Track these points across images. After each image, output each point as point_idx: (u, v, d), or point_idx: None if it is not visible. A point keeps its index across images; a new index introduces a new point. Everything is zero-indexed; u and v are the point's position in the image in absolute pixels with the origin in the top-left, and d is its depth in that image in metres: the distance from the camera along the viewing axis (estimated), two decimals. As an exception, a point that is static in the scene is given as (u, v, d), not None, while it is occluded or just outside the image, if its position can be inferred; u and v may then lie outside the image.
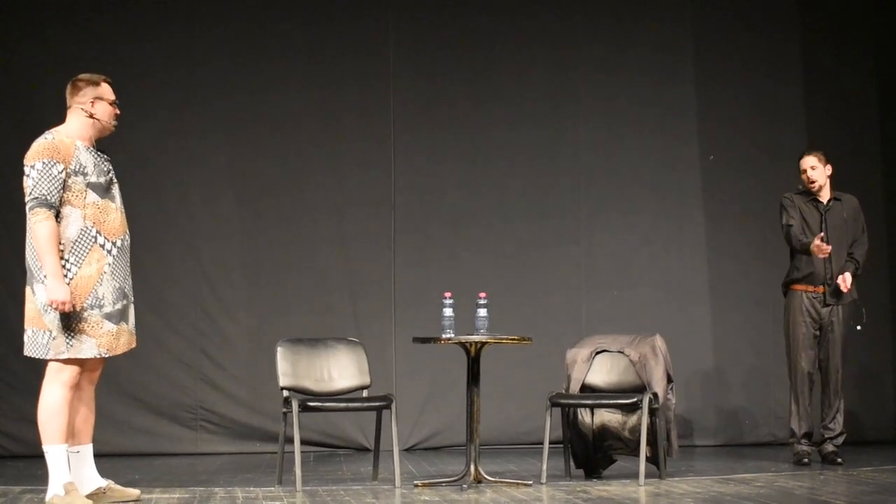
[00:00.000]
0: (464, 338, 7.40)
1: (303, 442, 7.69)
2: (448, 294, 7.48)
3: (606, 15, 10.64)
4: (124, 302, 6.61)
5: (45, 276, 6.43)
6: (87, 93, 6.76)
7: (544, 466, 7.62)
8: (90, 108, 6.74)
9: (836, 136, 10.43)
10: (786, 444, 9.14)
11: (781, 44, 10.75)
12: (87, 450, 6.73)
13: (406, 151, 10.35)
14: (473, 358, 7.51)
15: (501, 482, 7.48)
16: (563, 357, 8.19)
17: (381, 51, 10.36)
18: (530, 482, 7.51)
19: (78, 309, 6.44)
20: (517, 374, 10.08)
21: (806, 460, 8.53)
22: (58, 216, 6.47)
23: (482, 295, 7.50)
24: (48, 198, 6.44)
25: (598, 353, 8.13)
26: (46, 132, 6.64)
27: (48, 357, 6.52)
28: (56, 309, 6.40)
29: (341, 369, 7.87)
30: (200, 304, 10.02)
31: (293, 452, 7.31)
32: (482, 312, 7.47)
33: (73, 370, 6.52)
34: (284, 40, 10.27)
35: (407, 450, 9.95)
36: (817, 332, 8.64)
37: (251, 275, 10.13)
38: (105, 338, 6.50)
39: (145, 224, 9.97)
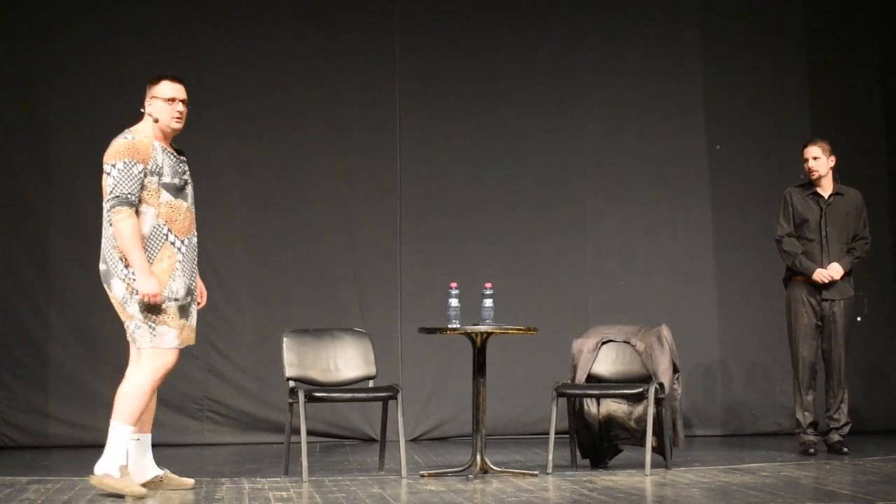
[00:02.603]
0: (469, 328, 7.41)
1: (309, 432, 7.70)
2: (454, 284, 7.49)
3: (614, 5, 10.63)
4: (189, 298, 6.78)
5: (124, 271, 6.58)
6: (147, 91, 6.86)
7: (550, 456, 7.62)
8: (147, 106, 6.81)
9: (840, 128, 10.40)
10: (791, 433, 9.14)
11: (787, 37, 10.74)
12: (147, 439, 6.87)
13: (412, 141, 10.36)
14: (479, 348, 7.51)
15: (507, 472, 7.49)
16: (568, 347, 8.19)
17: (386, 40, 10.37)
18: (536, 472, 7.51)
19: (158, 302, 6.59)
20: (523, 365, 10.09)
21: (812, 450, 8.53)
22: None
23: (488, 285, 7.50)
24: (129, 196, 6.58)
25: (603, 343, 8.13)
26: (126, 131, 6.74)
27: (143, 346, 6.68)
28: (147, 301, 6.56)
29: (347, 360, 7.87)
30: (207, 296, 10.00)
31: (299, 443, 7.32)
32: (488, 302, 7.46)
33: (167, 360, 6.68)
34: (290, 29, 10.28)
35: (413, 440, 9.96)
36: (819, 323, 8.63)
37: (257, 266, 10.14)
38: (183, 330, 6.71)
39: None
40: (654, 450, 7.65)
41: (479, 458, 7.46)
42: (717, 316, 10.51)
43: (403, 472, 7.40)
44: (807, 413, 8.60)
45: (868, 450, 8.75)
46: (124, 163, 6.59)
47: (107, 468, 6.54)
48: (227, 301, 10.07)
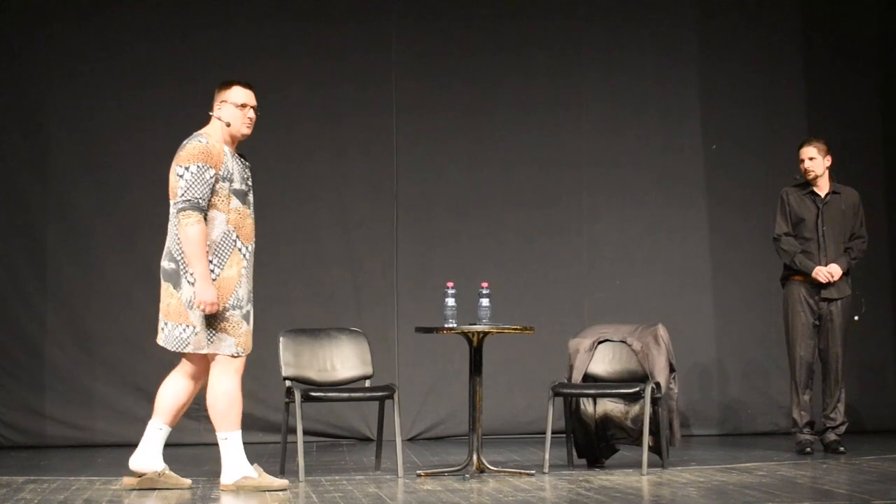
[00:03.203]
0: (466, 327, 7.41)
1: (305, 432, 7.71)
2: (450, 284, 7.49)
3: (610, 6, 10.63)
4: (250, 306, 6.81)
5: (192, 275, 6.63)
6: (218, 96, 6.90)
7: (547, 456, 7.63)
8: (217, 111, 6.84)
9: (836, 128, 10.40)
10: (788, 433, 9.14)
11: (782, 37, 10.74)
12: (167, 432, 6.97)
13: (408, 141, 10.35)
14: (476, 348, 7.51)
15: (504, 472, 7.49)
16: (565, 347, 8.19)
17: (383, 40, 10.36)
18: (533, 472, 7.51)
19: (221, 308, 6.63)
20: (519, 364, 10.09)
21: (808, 449, 8.54)
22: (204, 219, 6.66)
23: (484, 284, 7.50)
24: (200, 202, 6.61)
25: (600, 342, 8.13)
26: (199, 135, 6.78)
27: (186, 350, 6.75)
28: (203, 311, 6.60)
29: (344, 359, 7.88)
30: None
31: (296, 442, 7.33)
32: (484, 302, 7.46)
33: (242, 361, 6.80)
34: (286, 29, 10.27)
35: (410, 440, 9.96)
36: (817, 322, 8.64)
37: (254, 265, 10.11)
38: (243, 337, 6.75)
39: (146, 214, 9.99)
40: (650, 449, 7.66)
41: (475, 457, 7.46)
42: (714, 315, 10.52)
43: (400, 472, 7.41)
44: (803, 412, 8.60)
45: (864, 449, 8.76)
46: (197, 167, 6.63)
47: (241, 472, 6.77)
48: (224, 301, 10.05)
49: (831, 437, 8.64)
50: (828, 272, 8.54)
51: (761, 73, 10.69)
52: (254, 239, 6.84)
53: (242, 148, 7.04)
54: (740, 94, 10.66)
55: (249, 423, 9.91)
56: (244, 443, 9.68)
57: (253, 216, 6.85)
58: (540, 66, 10.51)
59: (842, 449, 8.52)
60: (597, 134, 10.53)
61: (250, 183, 6.88)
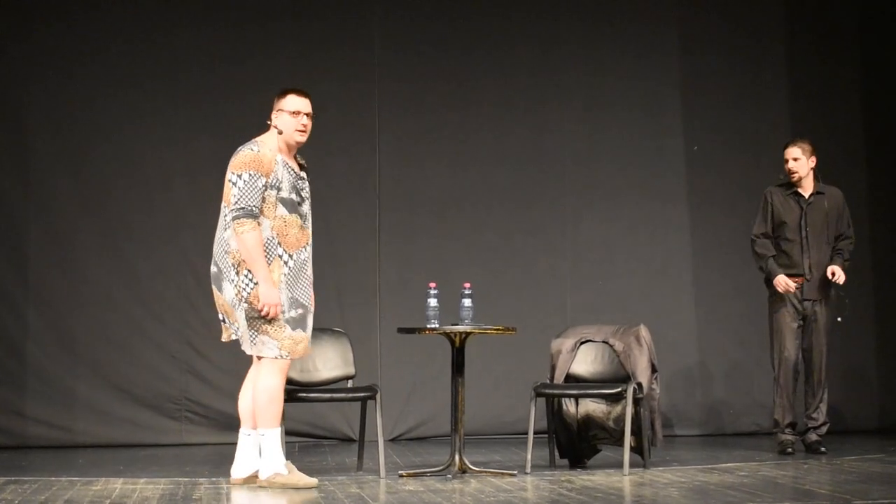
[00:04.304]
0: (448, 328, 7.41)
1: (288, 432, 7.69)
2: (433, 284, 7.49)
3: (593, 5, 10.64)
4: (300, 311, 6.94)
5: (235, 277, 6.83)
6: (274, 104, 7.09)
7: (529, 456, 7.63)
8: (274, 119, 7.02)
9: (819, 127, 10.42)
10: (769, 433, 9.17)
11: (765, 36, 10.77)
12: (256, 434, 7.00)
13: (391, 142, 10.35)
14: (458, 348, 7.51)
15: (486, 472, 7.49)
16: (547, 347, 8.19)
17: (366, 38, 10.36)
18: (515, 472, 7.51)
19: (262, 313, 6.79)
20: (502, 365, 10.09)
21: (790, 450, 8.55)
22: None
23: (466, 285, 7.50)
24: (253, 209, 6.82)
25: (582, 343, 8.14)
26: (252, 143, 6.97)
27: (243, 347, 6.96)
28: (268, 313, 6.78)
29: (326, 360, 7.87)
30: (185, 295, 10.00)
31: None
32: (467, 302, 7.47)
33: (287, 363, 6.94)
34: (269, 31, 10.25)
35: (392, 440, 9.96)
36: (801, 323, 8.66)
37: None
38: (286, 341, 6.88)
39: (130, 215, 9.99)
40: (632, 449, 7.67)
41: (457, 458, 7.46)
42: (696, 316, 10.54)
43: (382, 473, 7.40)
44: (786, 413, 8.61)
45: (846, 449, 8.78)
46: (249, 175, 6.83)
47: (274, 469, 6.85)
48: (207, 301, 10.00)
49: (813, 437, 8.65)
50: (784, 286, 8.52)
51: (744, 71, 10.71)
52: (304, 247, 7.01)
53: (304, 153, 7.16)
54: (723, 93, 10.68)
55: (231, 424, 9.89)
56: (227, 443, 9.77)
57: (308, 225, 7.04)
58: (522, 65, 10.51)
59: (823, 449, 8.54)
60: (579, 133, 10.54)
61: (305, 194, 7.06)
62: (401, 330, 7.71)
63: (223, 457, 8.85)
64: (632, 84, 10.60)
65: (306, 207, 7.06)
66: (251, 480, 6.98)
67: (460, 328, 7.42)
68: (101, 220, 9.95)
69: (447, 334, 7.47)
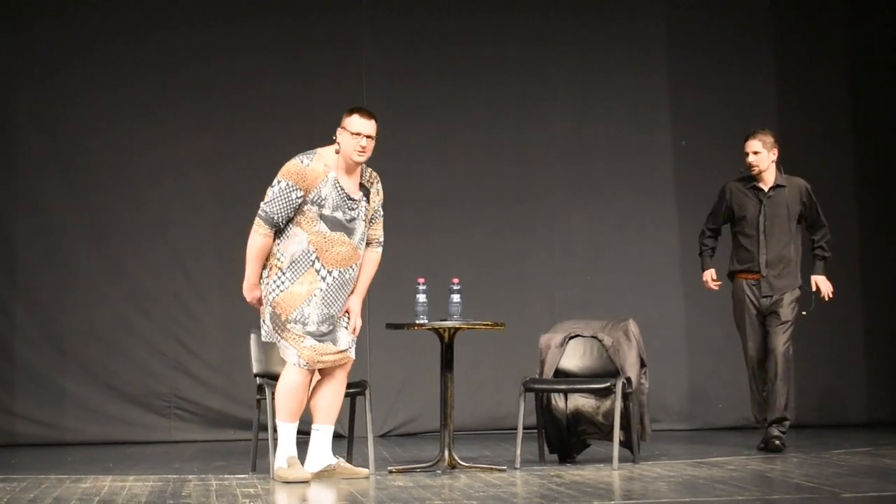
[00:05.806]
0: (437, 323, 7.41)
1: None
2: (421, 280, 7.49)
3: (580, 3, 10.63)
4: (330, 326, 6.98)
5: (265, 278, 7.00)
6: (342, 122, 7.13)
7: (518, 451, 7.64)
8: (338, 135, 7.10)
9: (807, 122, 10.45)
10: (757, 427, 9.17)
11: (753, 31, 10.77)
12: (326, 430, 7.15)
13: (379, 135, 10.30)
14: (447, 344, 7.52)
15: (475, 468, 7.49)
16: (536, 342, 8.20)
17: (353, 35, 10.35)
18: (504, 467, 7.52)
19: (283, 319, 6.94)
20: (491, 360, 10.09)
21: (777, 443, 8.52)
22: (281, 232, 6.99)
23: (455, 280, 7.50)
24: (275, 217, 6.97)
25: (571, 338, 8.14)
26: (309, 153, 7.10)
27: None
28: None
29: (315, 356, 7.85)
30: (174, 292, 9.99)
31: (267, 440, 7.31)
32: (455, 298, 7.47)
33: (299, 368, 7.01)
34: (257, 28, 10.24)
35: (381, 436, 9.96)
36: (762, 317, 8.58)
37: (225, 262, 10.08)
38: (306, 351, 6.96)
39: (119, 212, 9.98)
40: (621, 444, 7.68)
41: (447, 453, 7.46)
42: (684, 310, 10.54)
43: (372, 468, 7.40)
44: (760, 409, 8.53)
45: (834, 443, 8.80)
46: (287, 184, 6.96)
47: (278, 462, 7.03)
48: (196, 298, 10.04)
49: (773, 432, 8.42)
50: (710, 285, 8.59)
51: (732, 68, 10.71)
52: (352, 266, 7.03)
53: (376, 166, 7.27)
54: (710, 89, 10.68)
55: (221, 421, 9.94)
56: (215, 440, 9.78)
57: (357, 245, 7.04)
58: (510, 61, 10.51)
59: (777, 443, 8.33)
60: (567, 129, 10.54)
61: (355, 215, 7.05)
62: (389, 325, 7.72)
63: (212, 453, 8.85)
64: (620, 80, 10.60)
65: (357, 226, 7.07)
66: (326, 473, 7.09)
67: (449, 324, 7.43)
68: (90, 218, 9.93)
69: (436, 330, 7.47)
